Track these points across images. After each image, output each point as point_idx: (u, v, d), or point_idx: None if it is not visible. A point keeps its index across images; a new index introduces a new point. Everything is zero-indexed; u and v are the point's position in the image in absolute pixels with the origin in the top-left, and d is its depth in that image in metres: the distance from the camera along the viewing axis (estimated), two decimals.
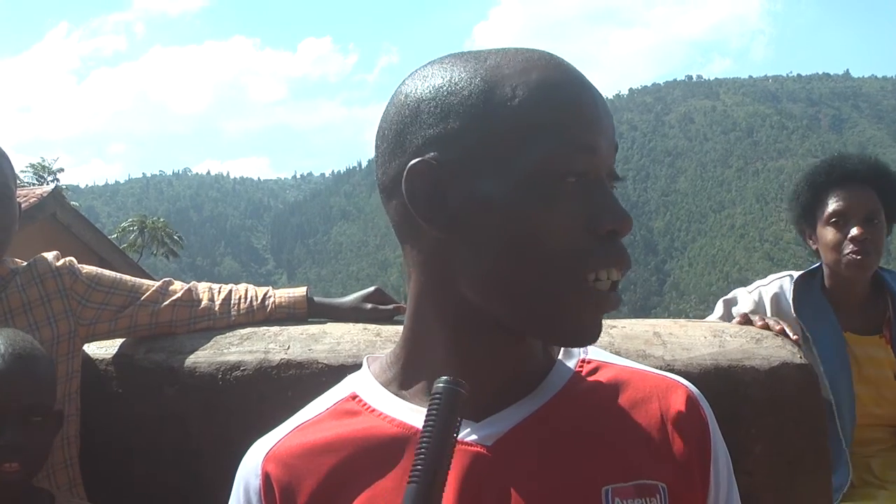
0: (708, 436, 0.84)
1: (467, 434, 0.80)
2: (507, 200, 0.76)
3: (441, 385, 0.68)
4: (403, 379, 0.86)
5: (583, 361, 0.88)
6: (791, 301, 2.30)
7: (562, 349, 0.89)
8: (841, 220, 2.29)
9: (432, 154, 0.78)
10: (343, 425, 0.84)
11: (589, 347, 0.90)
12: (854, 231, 2.26)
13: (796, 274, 2.39)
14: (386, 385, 0.87)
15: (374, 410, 0.84)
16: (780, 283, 2.36)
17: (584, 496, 0.78)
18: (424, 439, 0.66)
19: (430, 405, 0.68)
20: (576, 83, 0.79)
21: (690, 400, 0.85)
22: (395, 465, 0.80)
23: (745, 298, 2.36)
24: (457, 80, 0.79)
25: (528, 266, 0.76)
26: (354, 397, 0.87)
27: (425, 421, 0.67)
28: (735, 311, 2.27)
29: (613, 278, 0.77)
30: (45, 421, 1.47)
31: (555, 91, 0.77)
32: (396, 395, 0.85)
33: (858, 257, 2.26)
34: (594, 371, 0.87)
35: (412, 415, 0.82)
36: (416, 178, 0.78)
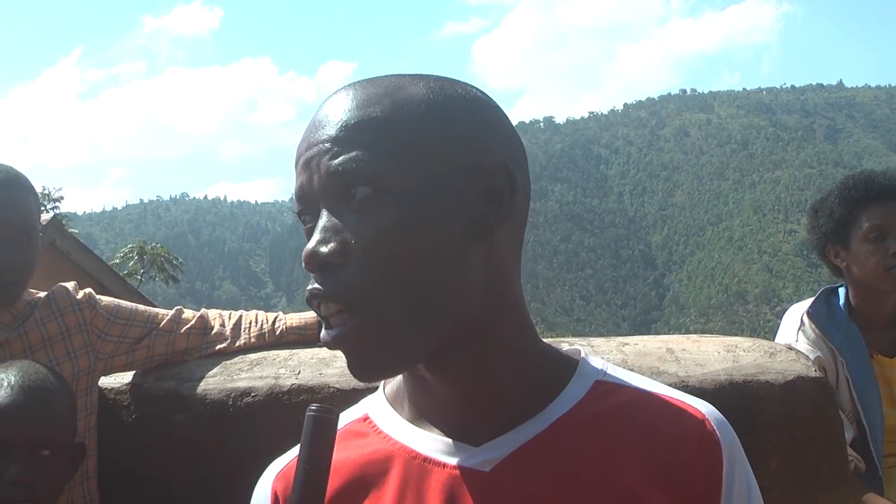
0: (720, 463, 0.79)
1: (465, 459, 0.78)
2: None
3: (310, 413, 0.73)
4: (410, 400, 0.86)
5: (598, 383, 0.84)
6: (822, 325, 2.28)
7: (577, 369, 0.85)
8: (880, 236, 2.26)
9: None
10: (350, 447, 0.84)
11: (609, 366, 0.87)
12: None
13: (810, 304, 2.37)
14: (396, 406, 0.87)
15: (381, 433, 0.85)
16: (803, 315, 2.33)
17: None
18: (298, 476, 0.72)
19: (303, 436, 0.72)
20: (309, 126, 0.79)
21: (703, 426, 0.81)
22: (393, 488, 0.79)
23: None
24: None
25: None
26: (366, 419, 0.87)
27: (299, 453, 0.72)
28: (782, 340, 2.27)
29: (323, 313, 0.76)
30: (57, 455, 1.42)
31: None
32: (404, 416, 0.85)
33: None
34: (606, 394, 0.83)
35: (416, 438, 0.82)
36: None
